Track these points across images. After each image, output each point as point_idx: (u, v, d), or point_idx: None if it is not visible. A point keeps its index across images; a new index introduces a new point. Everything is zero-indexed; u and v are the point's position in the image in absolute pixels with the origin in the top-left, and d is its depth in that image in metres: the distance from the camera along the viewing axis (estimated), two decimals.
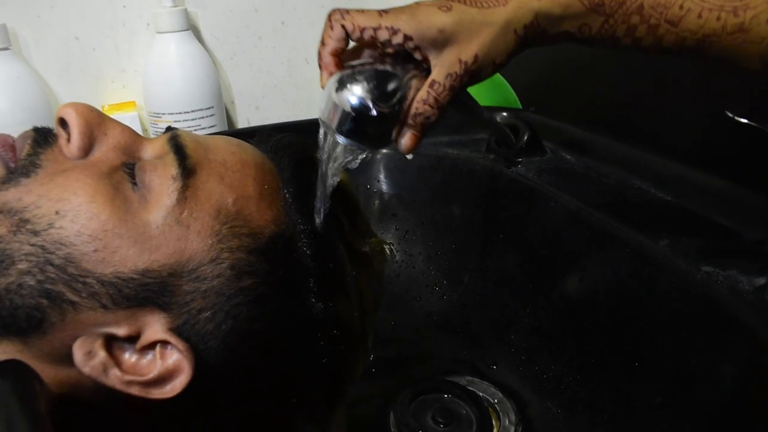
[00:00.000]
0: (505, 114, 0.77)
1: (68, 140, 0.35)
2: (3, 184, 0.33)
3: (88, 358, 0.32)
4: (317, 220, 0.38)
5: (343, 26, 0.38)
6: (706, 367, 0.46)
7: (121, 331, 0.33)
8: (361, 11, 0.38)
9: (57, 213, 0.32)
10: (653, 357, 0.51)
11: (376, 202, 0.78)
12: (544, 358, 0.62)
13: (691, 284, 0.48)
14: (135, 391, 0.33)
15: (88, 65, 0.86)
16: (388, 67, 0.38)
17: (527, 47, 0.40)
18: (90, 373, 0.32)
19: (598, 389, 0.55)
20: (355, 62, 0.39)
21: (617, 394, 0.53)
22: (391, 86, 0.37)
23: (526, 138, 0.72)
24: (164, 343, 0.33)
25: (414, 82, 0.38)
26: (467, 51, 0.38)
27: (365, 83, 0.37)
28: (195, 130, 0.85)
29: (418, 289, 0.75)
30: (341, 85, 0.37)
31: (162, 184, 0.34)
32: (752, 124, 0.41)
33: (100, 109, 0.36)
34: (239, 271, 0.34)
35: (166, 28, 0.83)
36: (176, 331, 0.33)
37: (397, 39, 0.37)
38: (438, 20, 0.37)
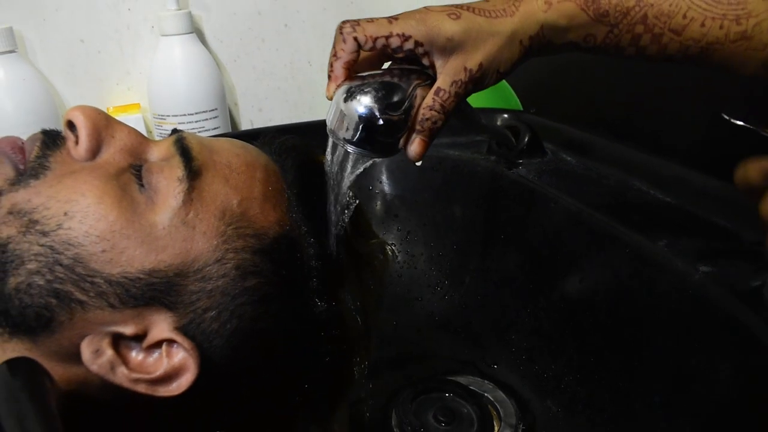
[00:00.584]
0: (506, 116, 0.77)
1: (76, 142, 0.36)
2: (12, 186, 0.34)
3: (95, 356, 0.33)
4: (333, 231, 0.39)
5: (355, 38, 0.38)
6: (705, 366, 0.46)
7: (128, 329, 0.33)
8: (371, 21, 0.38)
9: (66, 214, 0.33)
10: (652, 357, 0.51)
11: (378, 203, 0.78)
12: (545, 358, 0.62)
13: (690, 284, 0.48)
14: (142, 388, 0.33)
15: (93, 68, 0.87)
16: (395, 79, 0.39)
17: (532, 57, 0.41)
18: (98, 371, 0.33)
19: (598, 389, 0.56)
20: (362, 74, 0.40)
21: (617, 394, 0.54)
22: (397, 96, 0.38)
23: (526, 139, 0.72)
24: (170, 342, 0.34)
25: (419, 91, 0.39)
26: (472, 59, 0.38)
27: (372, 93, 0.38)
28: (199, 131, 0.86)
29: (420, 290, 0.75)
30: (350, 95, 0.38)
31: (168, 185, 0.35)
32: (748, 126, 0.41)
33: (104, 110, 0.36)
34: (244, 271, 0.35)
35: (170, 31, 0.83)
36: (182, 330, 0.34)
37: (409, 45, 0.38)
38: (447, 28, 0.38)
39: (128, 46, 0.87)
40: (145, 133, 0.38)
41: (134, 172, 0.35)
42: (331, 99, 0.40)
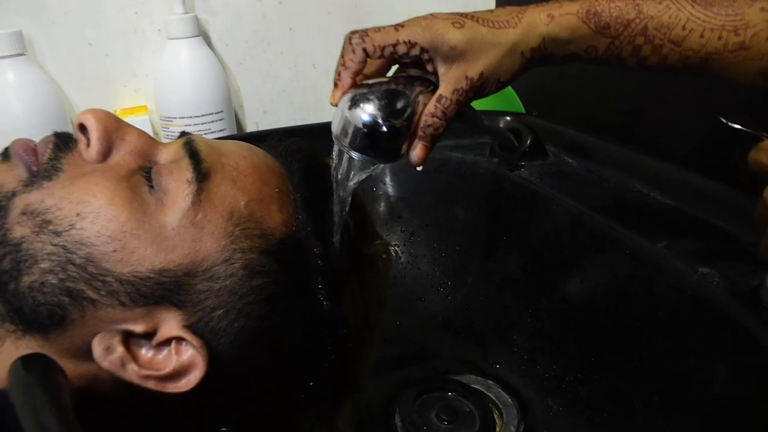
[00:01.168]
0: (508, 118, 0.78)
1: (88, 145, 0.36)
2: (26, 187, 0.35)
3: (106, 353, 0.33)
4: (335, 237, 0.40)
5: (364, 49, 0.39)
6: (703, 366, 0.47)
7: (138, 327, 0.34)
8: (378, 30, 0.39)
9: (78, 215, 0.33)
10: (651, 357, 0.52)
11: (382, 204, 0.78)
12: (546, 358, 0.63)
13: (689, 285, 0.49)
14: (151, 385, 0.34)
15: (100, 70, 0.87)
16: (399, 87, 0.40)
17: (534, 67, 0.42)
18: (108, 367, 0.33)
19: (598, 388, 0.56)
20: (367, 81, 0.41)
21: (616, 394, 0.54)
22: (400, 103, 0.39)
23: (528, 142, 0.73)
24: (179, 340, 0.34)
25: (422, 98, 0.40)
26: (474, 68, 0.39)
27: (376, 101, 0.39)
28: (205, 133, 0.87)
29: (423, 290, 0.75)
30: (354, 103, 0.39)
31: (177, 187, 0.35)
32: (745, 129, 0.42)
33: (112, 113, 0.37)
34: (251, 270, 0.36)
35: (177, 34, 0.84)
36: (191, 328, 0.34)
37: (415, 51, 0.39)
38: (451, 37, 0.39)
39: (135, 49, 0.88)
40: (152, 135, 0.39)
41: (144, 173, 0.36)
42: (335, 106, 0.40)
